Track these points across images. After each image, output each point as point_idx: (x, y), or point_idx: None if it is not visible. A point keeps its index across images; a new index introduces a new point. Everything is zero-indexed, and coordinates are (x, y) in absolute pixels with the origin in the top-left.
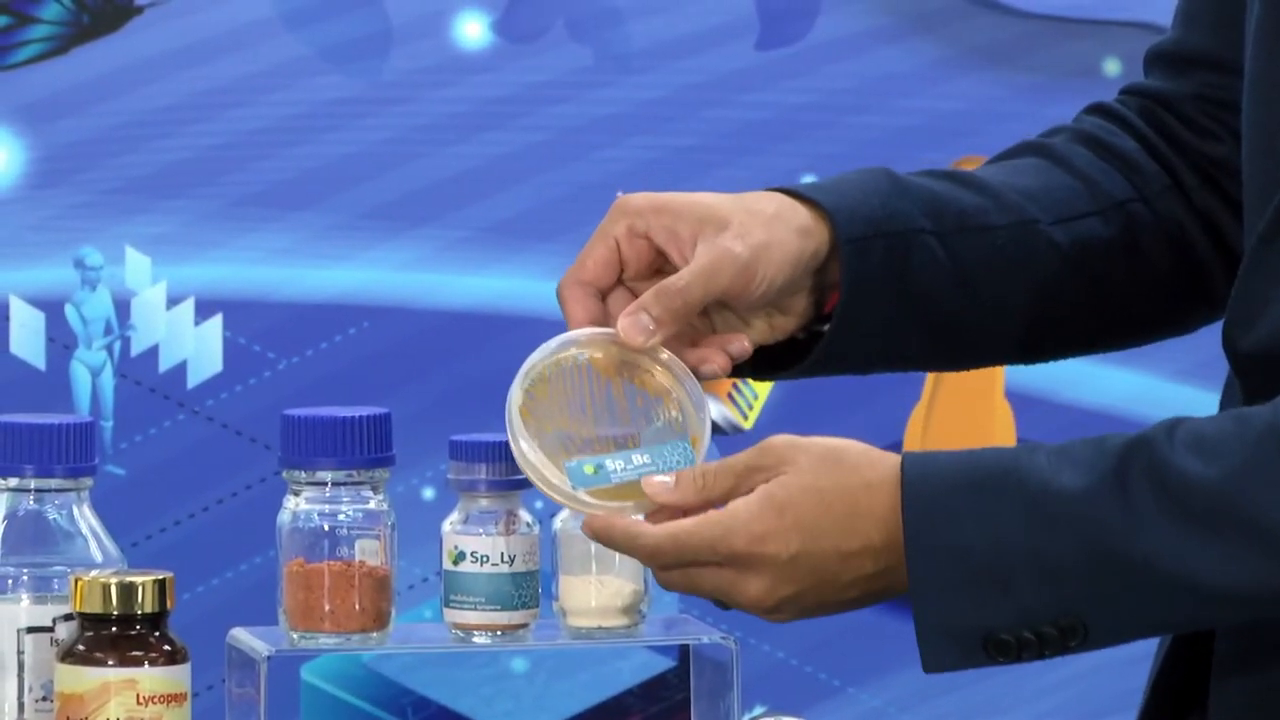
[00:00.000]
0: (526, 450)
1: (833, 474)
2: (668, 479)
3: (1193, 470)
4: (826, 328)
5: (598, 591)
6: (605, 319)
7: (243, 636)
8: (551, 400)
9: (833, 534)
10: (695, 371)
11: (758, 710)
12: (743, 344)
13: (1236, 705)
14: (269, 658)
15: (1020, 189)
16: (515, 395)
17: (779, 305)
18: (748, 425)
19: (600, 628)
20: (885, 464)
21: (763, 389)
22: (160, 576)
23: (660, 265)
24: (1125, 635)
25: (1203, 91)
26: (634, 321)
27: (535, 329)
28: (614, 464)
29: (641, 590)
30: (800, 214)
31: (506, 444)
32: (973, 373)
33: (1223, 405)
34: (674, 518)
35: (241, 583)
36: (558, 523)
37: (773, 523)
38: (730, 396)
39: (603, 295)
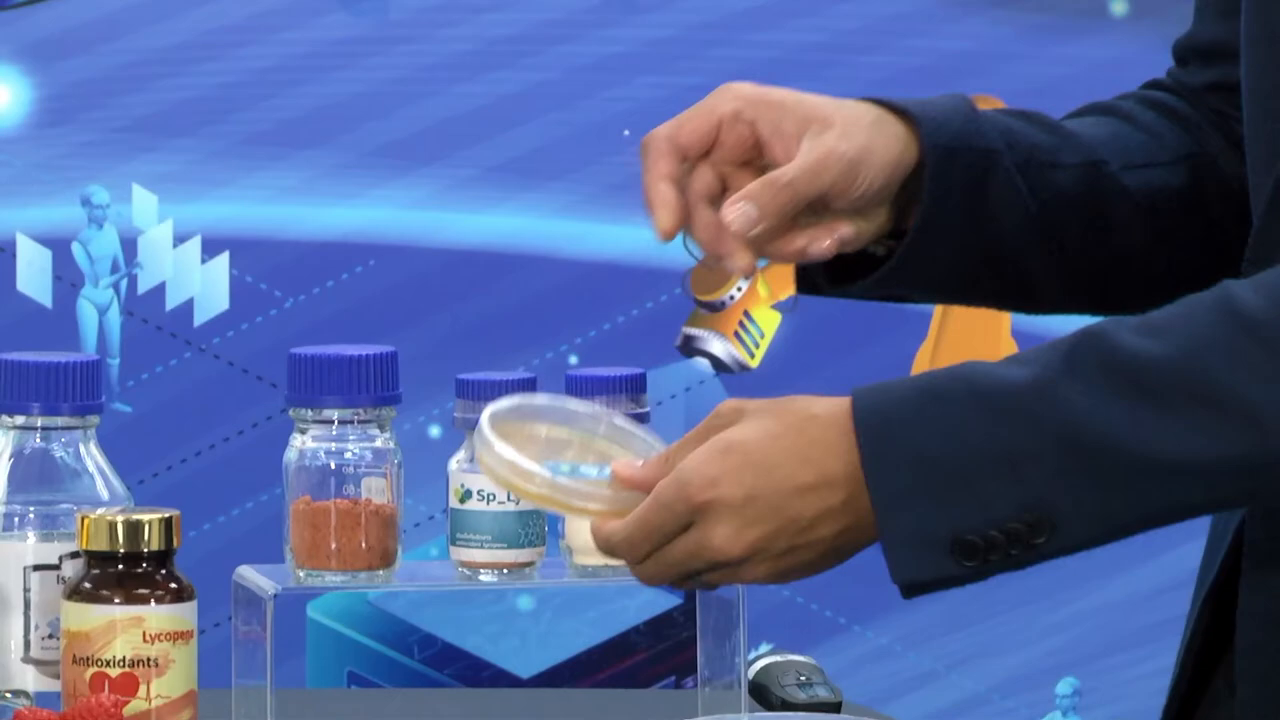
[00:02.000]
0: (501, 450)
1: (780, 414)
2: (635, 460)
3: (1144, 348)
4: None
5: None
6: (682, 184)
7: (249, 574)
8: (519, 432)
9: (785, 466)
10: (804, 252)
11: (764, 648)
12: (848, 231)
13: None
14: (275, 595)
15: (1090, 135)
16: (485, 418)
17: (864, 213)
18: (754, 363)
19: (606, 566)
20: (834, 400)
21: (769, 327)
22: (167, 514)
23: (750, 158)
24: (1095, 527)
25: (1223, 80)
26: (741, 210)
27: (542, 267)
28: (589, 469)
29: None
30: (894, 122)
31: (513, 382)
32: (979, 311)
33: None
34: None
35: (248, 520)
36: None
37: (721, 464)
38: (737, 334)
39: (689, 160)
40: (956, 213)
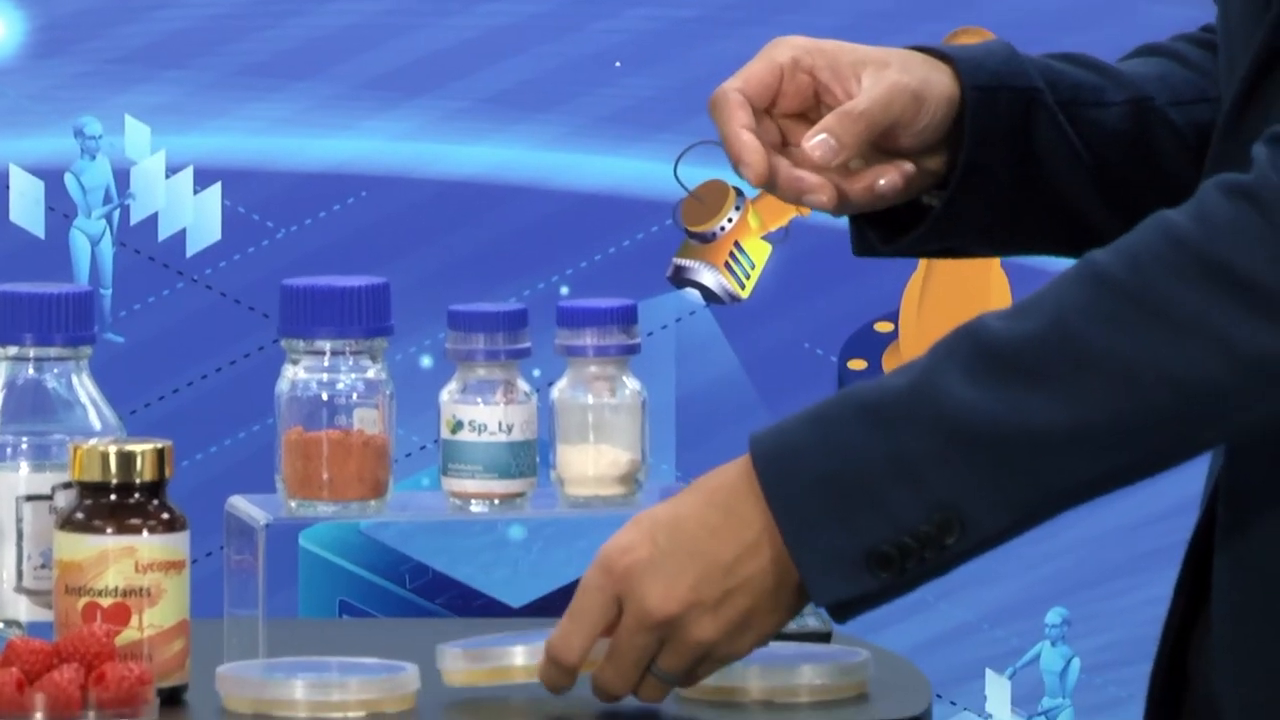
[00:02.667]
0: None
1: (686, 488)
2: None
3: (1013, 329)
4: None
5: (595, 460)
6: (762, 132)
7: (241, 504)
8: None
9: (693, 516)
10: (873, 188)
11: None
12: (911, 168)
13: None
14: (267, 526)
15: (1137, 73)
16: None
17: (924, 156)
18: (745, 294)
19: (597, 496)
20: (741, 459)
21: (760, 258)
22: (159, 445)
23: (806, 109)
24: (1004, 517)
25: None
26: (823, 142)
27: (533, 198)
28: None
29: (639, 459)
30: (938, 64)
31: (505, 314)
32: None
33: None
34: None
35: (240, 451)
36: (556, 392)
37: (631, 531)
38: (728, 265)
39: (752, 109)
40: (1001, 153)
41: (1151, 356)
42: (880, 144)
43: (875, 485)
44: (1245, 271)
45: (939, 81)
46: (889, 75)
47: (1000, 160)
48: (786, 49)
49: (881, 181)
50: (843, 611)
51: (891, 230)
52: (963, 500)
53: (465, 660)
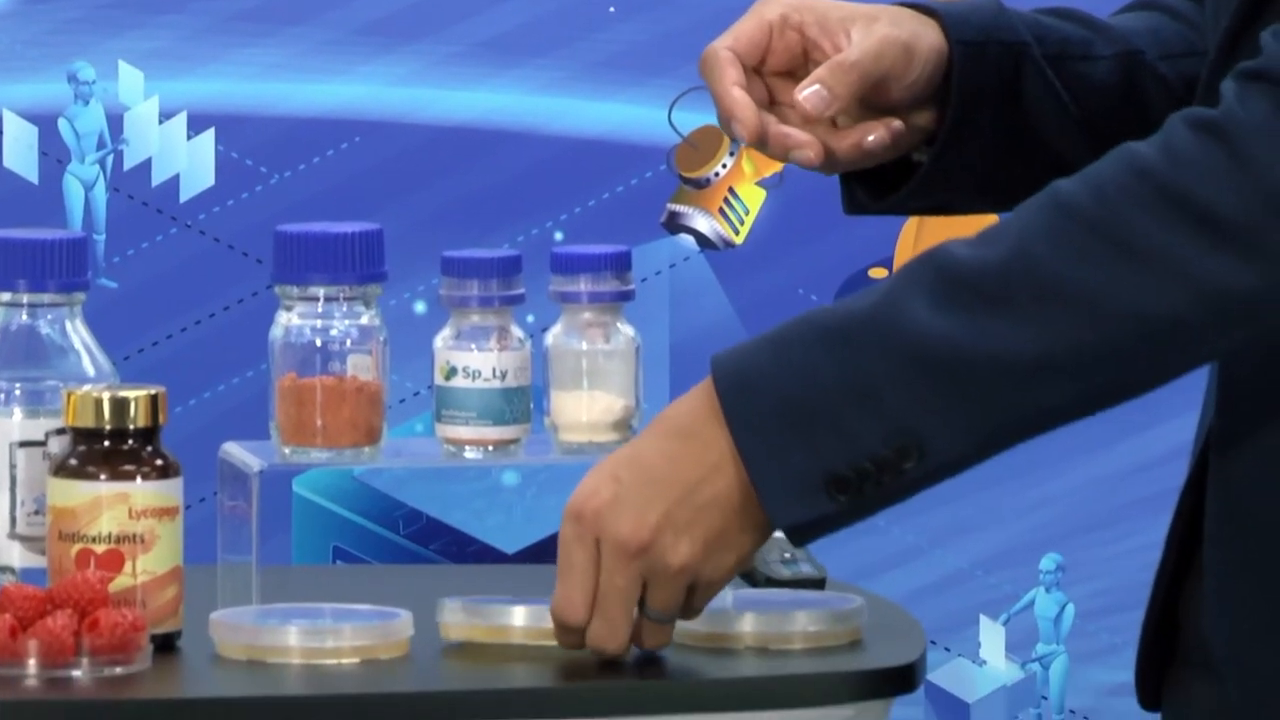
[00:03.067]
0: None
1: (642, 431)
2: None
3: (977, 255)
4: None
5: (589, 406)
6: (751, 90)
7: (234, 451)
8: None
9: (651, 446)
10: (861, 144)
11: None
12: (899, 123)
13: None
14: (260, 472)
15: (1127, 25)
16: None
17: (913, 111)
18: (739, 240)
19: (591, 442)
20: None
21: (754, 203)
22: (153, 391)
23: (795, 68)
24: (963, 443)
25: None
26: (815, 93)
27: (528, 144)
28: None
29: (632, 405)
30: (925, 19)
31: (499, 260)
32: None
33: None
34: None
35: (233, 396)
36: (550, 338)
37: (594, 476)
38: (722, 211)
39: (743, 66)
40: (989, 107)
41: (1114, 288)
42: (869, 100)
43: (834, 408)
44: (1208, 205)
45: (927, 35)
46: (879, 28)
47: (988, 115)
48: (776, 6)
49: (870, 138)
50: (800, 534)
51: (881, 187)
52: (922, 425)
53: (465, 615)
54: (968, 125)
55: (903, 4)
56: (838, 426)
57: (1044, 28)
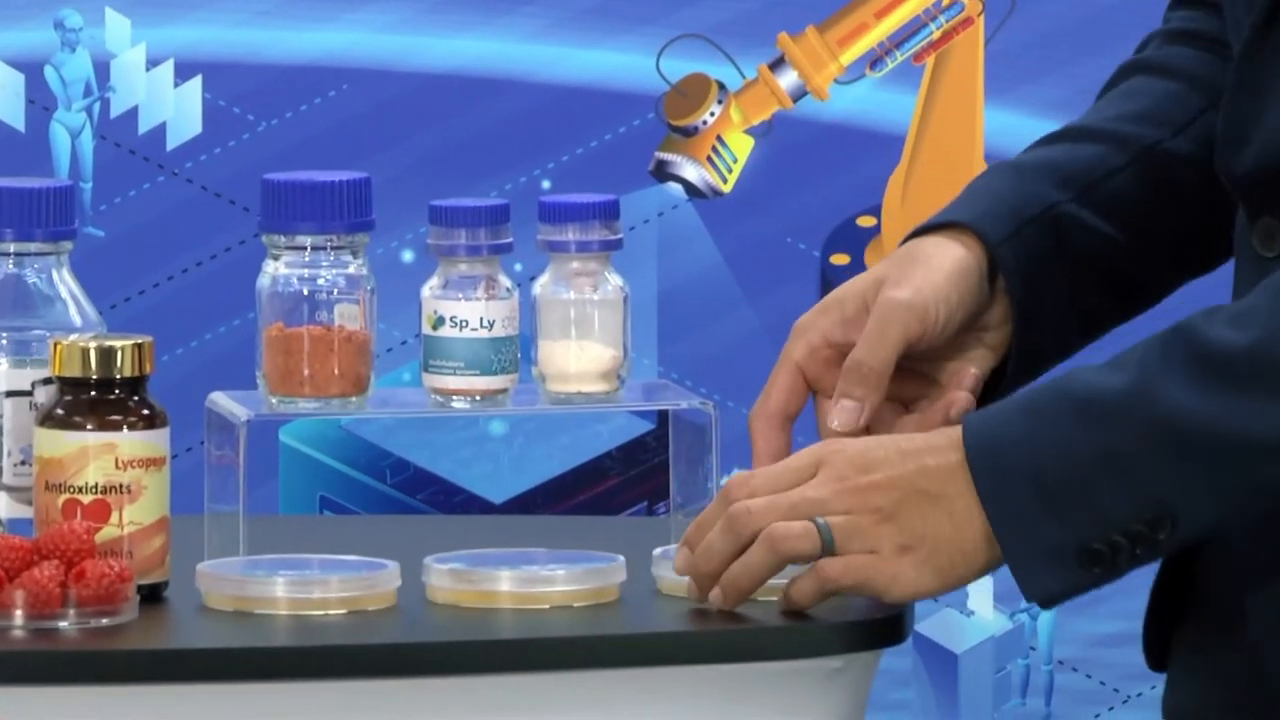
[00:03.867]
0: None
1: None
2: None
3: (1231, 339)
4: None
5: (577, 356)
6: (788, 451)
7: (221, 400)
8: None
9: (912, 450)
10: (949, 417)
11: (736, 472)
12: (971, 374)
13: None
14: (248, 422)
15: (1132, 115)
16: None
17: (984, 328)
18: (727, 188)
19: (579, 393)
20: (948, 430)
21: (742, 152)
22: (139, 340)
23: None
24: (1215, 514)
25: None
26: (843, 409)
27: (516, 92)
28: None
29: (620, 355)
30: (947, 244)
31: (487, 208)
32: (951, 135)
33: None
34: None
35: (220, 345)
36: (537, 288)
37: (849, 440)
38: (710, 159)
39: (793, 419)
40: (1049, 279)
41: None
42: (927, 355)
43: (1088, 483)
44: None
45: (943, 267)
46: (880, 303)
47: (1049, 287)
48: (797, 340)
49: (954, 411)
50: (1049, 602)
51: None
52: (1175, 499)
53: (452, 579)
54: (1031, 308)
55: (926, 226)
56: (1091, 501)
57: (1063, 167)
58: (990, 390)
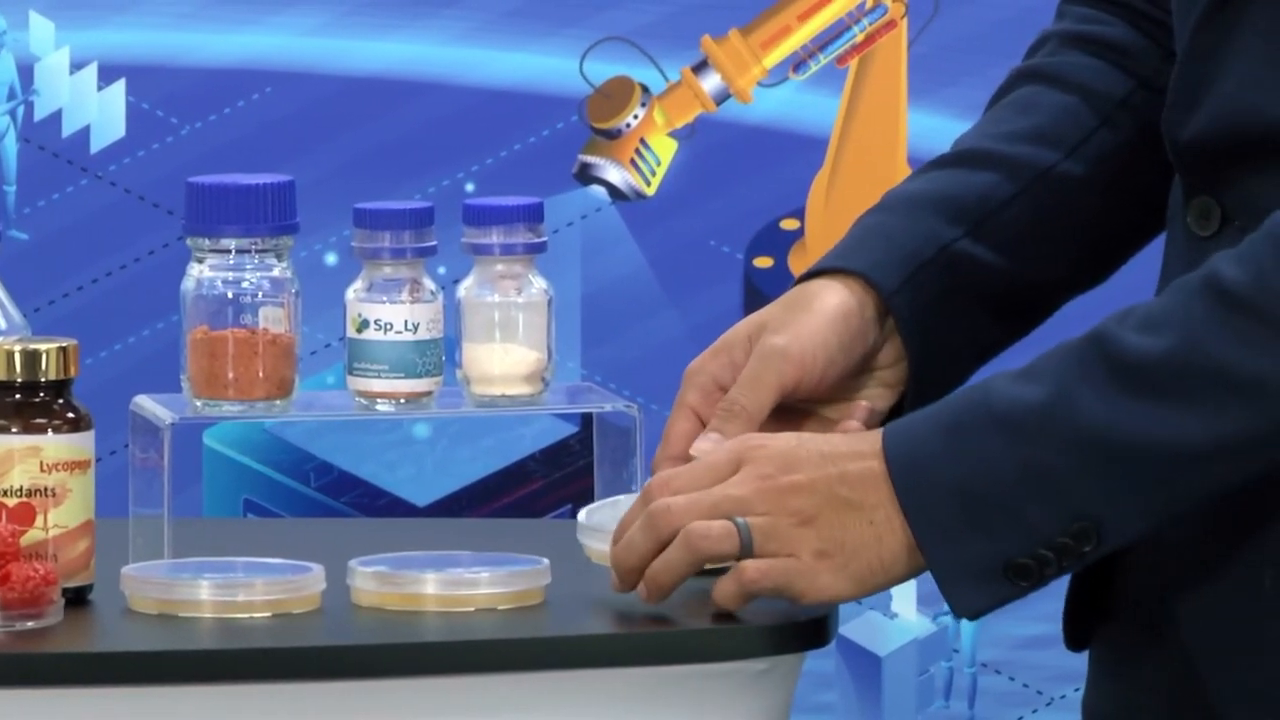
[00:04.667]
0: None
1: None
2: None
3: (1147, 346)
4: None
5: (501, 359)
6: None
7: (146, 404)
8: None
9: (829, 453)
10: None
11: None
12: (863, 408)
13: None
14: (172, 425)
15: (1025, 134)
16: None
17: (878, 367)
18: (650, 191)
19: (504, 395)
20: (878, 438)
21: (666, 154)
22: (64, 344)
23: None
24: (1139, 524)
25: None
26: (708, 439)
27: (439, 95)
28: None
29: (545, 358)
30: (834, 286)
31: (411, 211)
32: (874, 138)
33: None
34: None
35: (144, 348)
36: (462, 290)
37: (773, 436)
38: (633, 162)
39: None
40: (946, 318)
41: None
42: (820, 396)
43: (1013, 499)
44: None
45: (823, 311)
46: (762, 344)
47: (947, 326)
48: (689, 387)
49: (853, 423)
50: (975, 615)
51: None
52: (1101, 512)
53: (377, 582)
54: (929, 349)
55: (817, 270)
56: (1017, 517)
57: (955, 200)
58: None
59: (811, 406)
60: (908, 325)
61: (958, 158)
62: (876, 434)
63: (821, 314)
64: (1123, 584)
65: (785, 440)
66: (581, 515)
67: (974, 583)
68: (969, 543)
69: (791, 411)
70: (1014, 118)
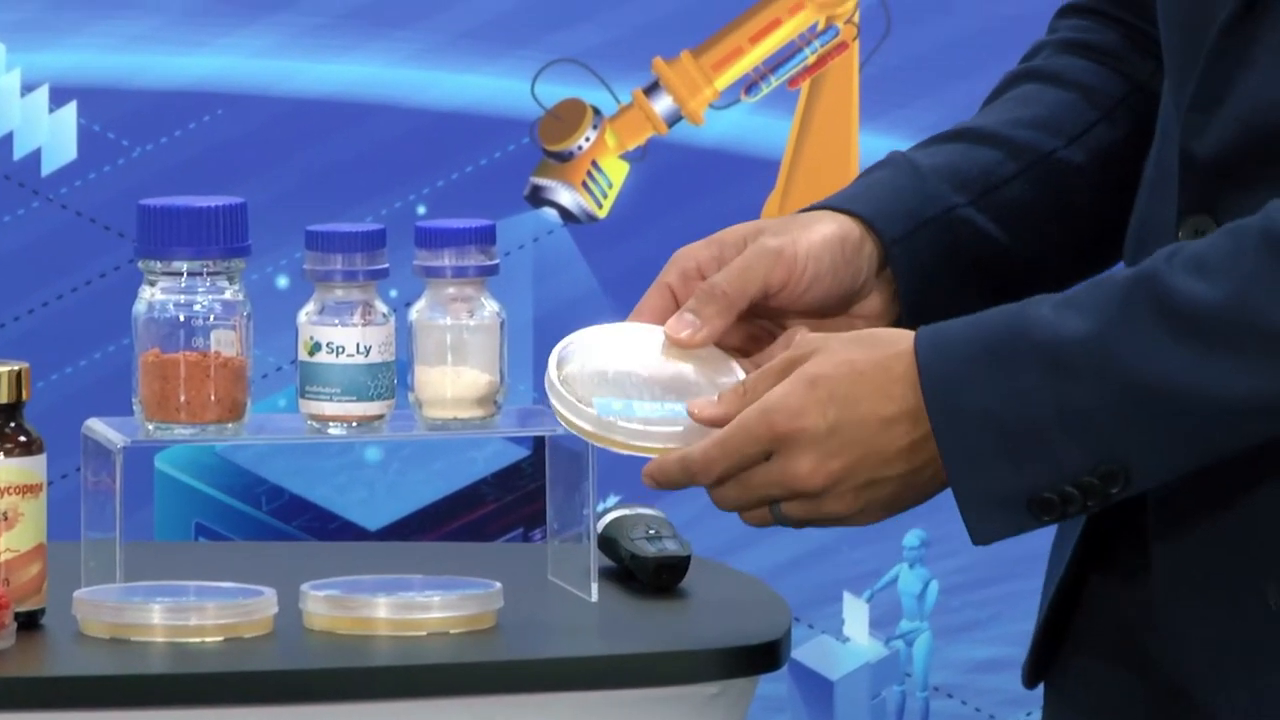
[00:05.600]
0: (555, 381)
1: (863, 346)
2: (712, 396)
3: (1198, 292)
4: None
5: (453, 382)
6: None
7: (98, 427)
8: (597, 344)
9: (868, 399)
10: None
11: (611, 500)
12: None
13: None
14: (124, 448)
15: (1027, 121)
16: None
17: (860, 316)
18: (602, 214)
19: (456, 418)
20: (909, 341)
21: (617, 177)
22: (16, 367)
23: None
24: (1167, 471)
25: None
26: (681, 319)
27: (390, 117)
28: (643, 407)
29: (497, 381)
30: (842, 220)
31: (362, 234)
32: (826, 160)
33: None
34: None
35: (96, 371)
36: (414, 313)
37: (806, 396)
38: (585, 185)
39: None
40: (940, 280)
41: None
42: (784, 310)
43: (1045, 433)
44: None
45: (819, 231)
46: (759, 241)
47: (939, 288)
48: (673, 267)
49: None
50: (990, 542)
51: None
52: (1132, 456)
53: (328, 606)
54: (920, 307)
55: (823, 204)
56: (1047, 452)
57: (961, 171)
58: None
59: (772, 326)
60: (904, 277)
61: (960, 134)
62: (909, 352)
63: (820, 234)
64: (1099, 613)
65: (815, 433)
66: (553, 364)
67: (995, 512)
68: (996, 472)
69: (752, 323)
70: (1014, 108)
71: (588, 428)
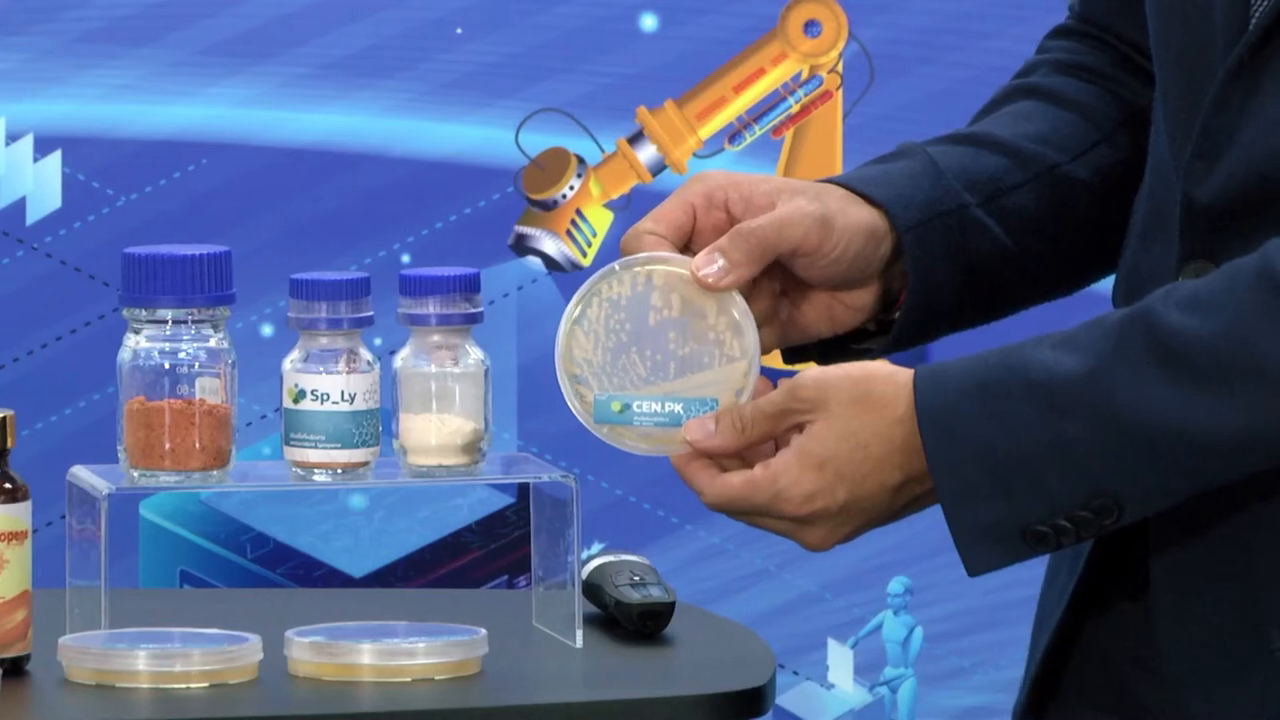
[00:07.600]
0: (560, 372)
1: (864, 415)
2: (709, 423)
3: (1191, 328)
4: (894, 316)
5: (438, 429)
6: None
7: (83, 474)
8: (602, 321)
9: (875, 474)
10: (804, 330)
11: (596, 547)
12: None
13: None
14: (109, 495)
15: (1031, 135)
16: (571, 310)
17: (841, 296)
18: (586, 262)
19: (440, 466)
20: (908, 388)
21: (601, 225)
22: (1, 414)
23: None
24: (1159, 503)
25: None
26: (709, 260)
27: (375, 166)
28: (641, 406)
29: (481, 429)
30: (863, 203)
31: (347, 282)
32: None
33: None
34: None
35: (81, 419)
36: (398, 361)
37: (817, 481)
38: (569, 233)
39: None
40: (946, 275)
41: None
42: (795, 275)
43: (1039, 467)
44: None
45: (856, 215)
46: (795, 202)
47: (945, 283)
48: (699, 185)
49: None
50: (984, 573)
51: (829, 345)
52: (1124, 489)
53: (313, 652)
54: (925, 300)
55: (844, 183)
56: (1040, 485)
57: (972, 173)
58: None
59: (768, 281)
60: (916, 265)
61: (969, 137)
62: (907, 387)
63: (857, 218)
64: (1095, 661)
65: (826, 507)
66: (563, 334)
67: (990, 545)
68: (990, 503)
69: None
70: (1018, 122)
71: (587, 427)
